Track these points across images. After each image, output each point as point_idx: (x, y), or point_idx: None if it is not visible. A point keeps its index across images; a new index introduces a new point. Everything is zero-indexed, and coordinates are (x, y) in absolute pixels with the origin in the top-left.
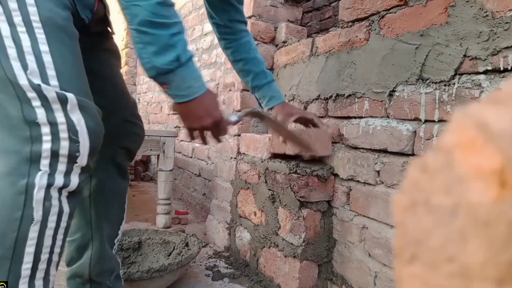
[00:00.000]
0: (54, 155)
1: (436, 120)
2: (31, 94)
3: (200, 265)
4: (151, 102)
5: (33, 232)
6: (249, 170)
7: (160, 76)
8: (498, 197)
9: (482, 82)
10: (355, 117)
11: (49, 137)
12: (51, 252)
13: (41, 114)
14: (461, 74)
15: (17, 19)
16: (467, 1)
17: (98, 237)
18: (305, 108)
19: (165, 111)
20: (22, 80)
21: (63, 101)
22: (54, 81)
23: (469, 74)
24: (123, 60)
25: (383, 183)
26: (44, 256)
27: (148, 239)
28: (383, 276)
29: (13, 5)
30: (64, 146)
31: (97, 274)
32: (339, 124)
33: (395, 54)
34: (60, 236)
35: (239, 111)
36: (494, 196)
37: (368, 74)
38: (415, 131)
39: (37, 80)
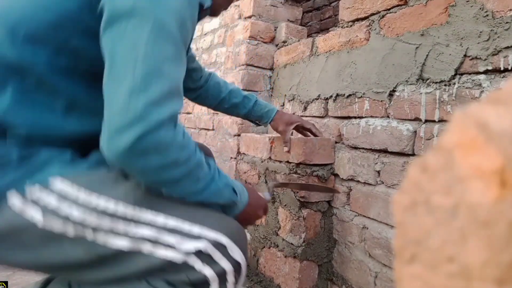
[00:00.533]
0: None
1: (437, 120)
2: (192, 259)
3: None
4: None
5: None
6: (249, 170)
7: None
8: (498, 197)
9: (483, 82)
10: (355, 117)
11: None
12: None
13: (209, 271)
14: (462, 74)
15: (121, 227)
16: (467, 1)
17: None
18: (305, 108)
19: None
20: (178, 258)
21: (220, 247)
22: (197, 228)
23: (470, 74)
24: None
25: (383, 183)
26: None
27: None
28: (383, 276)
29: (106, 222)
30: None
31: None
32: (339, 124)
33: (395, 54)
34: None
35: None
36: (494, 196)
37: (368, 74)
38: (415, 131)
39: (188, 246)
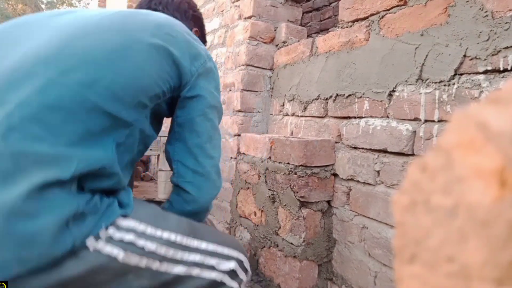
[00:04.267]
0: None
1: (436, 120)
2: (226, 278)
3: None
4: None
5: None
6: (249, 170)
7: None
8: (498, 197)
9: (482, 82)
10: (355, 117)
11: None
12: None
13: (234, 284)
14: (461, 74)
15: (179, 255)
16: (467, 1)
17: None
18: (305, 108)
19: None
20: (218, 277)
21: (241, 264)
22: (227, 250)
23: (469, 74)
24: None
25: (383, 183)
26: None
27: None
28: (383, 276)
29: (171, 252)
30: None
31: None
32: (339, 124)
33: (395, 54)
34: None
35: (239, 111)
36: (494, 196)
37: (368, 74)
38: (415, 131)
39: (225, 266)
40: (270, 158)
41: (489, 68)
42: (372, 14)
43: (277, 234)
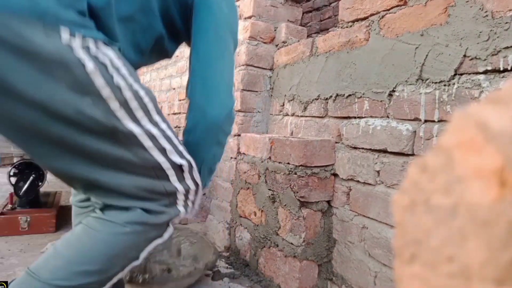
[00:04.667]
0: (181, 214)
1: (436, 120)
2: (171, 172)
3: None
4: None
5: (127, 268)
6: (249, 170)
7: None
8: (498, 197)
9: (482, 82)
10: (355, 117)
11: (182, 202)
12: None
13: (178, 186)
14: (461, 74)
15: (139, 113)
16: (467, 1)
17: None
18: (305, 108)
19: (165, 111)
20: (165, 164)
21: (190, 168)
22: (181, 146)
23: (469, 74)
24: None
25: (383, 183)
26: (113, 280)
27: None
28: (383, 276)
29: (133, 103)
30: (189, 206)
31: None
32: (339, 124)
33: (395, 54)
34: None
35: (239, 110)
36: (494, 196)
37: (368, 74)
38: (415, 131)
39: (176, 159)
40: (270, 158)
41: (489, 68)
42: (372, 14)
43: (277, 234)
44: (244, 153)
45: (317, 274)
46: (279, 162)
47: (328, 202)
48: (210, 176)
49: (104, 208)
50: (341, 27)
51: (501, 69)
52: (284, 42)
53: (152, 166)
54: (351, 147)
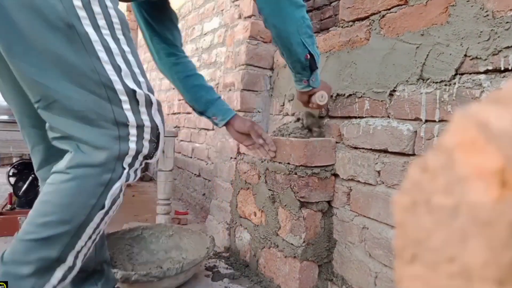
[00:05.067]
0: (136, 154)
1: (437, 120)
2: (124, 97)
3: (200, 265)
4: None
5: (98, 218)
6: (249, 170)
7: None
8: (499, 197)
9: (483, 82)
10: (355, 117)
11: (134, 138)
12: (99, 233)
13: (130, 117)
14: (462, 74)
15: (101, 22)
16: (467, 1)
17: None
18: None
19: (165, 111)
20: (117, 85)
21: (149, 105)
22: (141, 78)
23: (470, 74)
24: None
25: (383, 183)
26: (93, 236)
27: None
28: (383, 276)
29: (96, 8)
30: (146, 146)
31: (100, 262)
32: (339, 124)
33: (395, 53)
34: (110, 219)
35: (239, 110)
36: (494, 196)
37: (368, 74)
38: (415, 131)
39: (131, 84)
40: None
41: (490, 68)
42: (372, 14)
43: (277, 235)
44: (244, 153)
45: (318, 274)
46: (279, 162)
47: (329, 202)
48: (315, 47)
49: (55, 161)
50: (342, 27)
51: (502, 69)
52: None
53: (104, 83)
54: (351, 147)
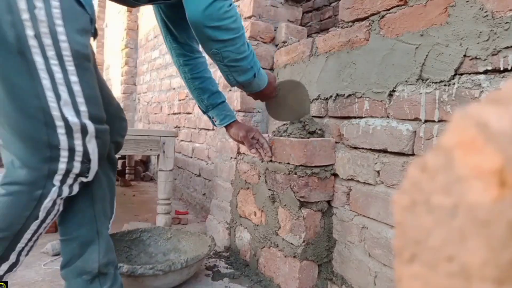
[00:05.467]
0: (67, 172)
1: (436, 120)
2: (59, 123)
3: (201, 263)
4: (151, 102)
5: (34, 226)
6: (249, 170)
7: (243, 84)
8: (498, 197)
9: (482, 82)
10: (355, 117)
11: (65, 159)
12: (39, 235)
13: (63, 141)
14: (461, 74)
15: (50, 53)
16: (467, 1)
17: (104, 229)
18: None
19: (165, 111)
20: (55, 111)
21: (84, 132)
22: (83, 107)
23: (469, 74)
24: (123, 60)
25: (383, 183)
26: (34, 237)
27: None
28: (383, 276)
29: (47, 41)
30: (77, 167)
31: (105, 265)
32: (339, 124)
33: (395, 54)
34: (48, 225)
35: (239, 110)
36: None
37: (368, 74)
38: (415, 131)
39: (67, 111)
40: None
41: (489, 68)
42: (372, 14)
43: (277, 234)
44: (244, 153)
45: (317, 274)
46: (279, 162)
47: (328, 202)
48: (236, 74)
49: None
50: (341, 27)
51: (501, 69)
52: (284, 42)
53: (43, 108)
54: (351, 147)
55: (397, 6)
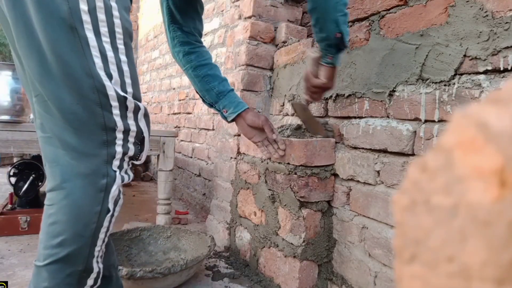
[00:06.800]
0: (123, 156)
1: (436, 120)
2: (114, 103)
3: (201, 264)
4: (151, 102)
5: (107, 221)
6: (249, 170)
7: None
8: (498, 197)
9: (482, 82)
10: (355, 117)
11: (121, 142)
12: (109, 233)
13: (119, 122)
14: (461, 74)
15: (103, 29)
16: (467, 1)
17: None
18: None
19: (165, 111)
20: (110, 91)
21: (136, 111)
22: (130, 89)
23: (469, 74)
24: None
25: (383, 183)
26: (105, 239)
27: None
28: (383, 276)
29: (101, 16)
30: (131, 149)
31: (106, 267)
32: (339, 124)
33: (395, 54)
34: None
35: None
36: (494, 196)
37: (368, 74)
38: (415, 131)
39: (120, 91)
40: (270, 158)
41: (489, 68)
42: (372, 14)
43: (277, 234)
44: (244, 153)
45: (317, 274)
46: (279, 162)
47: (328, 202)
48: (346, 26)
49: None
50: None
51: (501, 69)
52: (284, 42)
53: (98, 87)
54: (351, 147)
55: (397, 6)
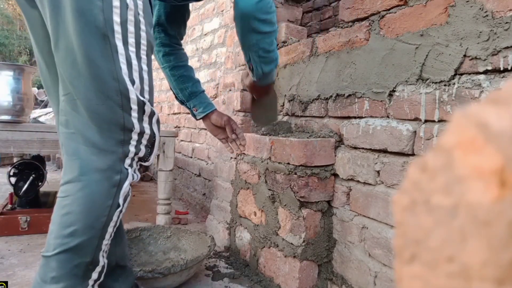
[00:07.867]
0: (134, 156)
1: (436, 120)
2: (134, 106)
3: (201, 264)
4: None
5: (116, 216)
6: (249, 170)
7: (267, 74)
8: (498, 197)
9: (482, 82)
10: (355, 117)
11: (135, 142)
12: (115, 230)
13: (136, 124)
14: (461, 74)
15: (131, 40)
16: (467, 1)
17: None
18: (305, 108)
19: (165, 111)
20: (132, 94)
21: (151, 116)
22: (147, 95)
23: (469, 74)
24: None
25: (383, 183)
26: (113, 234)
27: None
28: (383, 276)
29: (131, 28)
30: (142, 150)
31: (121, 257)
32: (339, 124)
33: (395, 54)
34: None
35: (239, 111)
36: (494, 196)
37: (368, 74)
38: (415, 131)
39: (140, 95)
40: (270, 158)
41: (489, 68)
42: (372, 14)
43: (277, 234)
44: (244, 153)
45: (317, 274)
46: (279, 162)
47: (328, 202)
48: (264, 64)
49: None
50: (341, 27)
51: (501, 69)
52: (284, 42)
53: (121, 91)
54: (351, 147)
55: (397, 6)
